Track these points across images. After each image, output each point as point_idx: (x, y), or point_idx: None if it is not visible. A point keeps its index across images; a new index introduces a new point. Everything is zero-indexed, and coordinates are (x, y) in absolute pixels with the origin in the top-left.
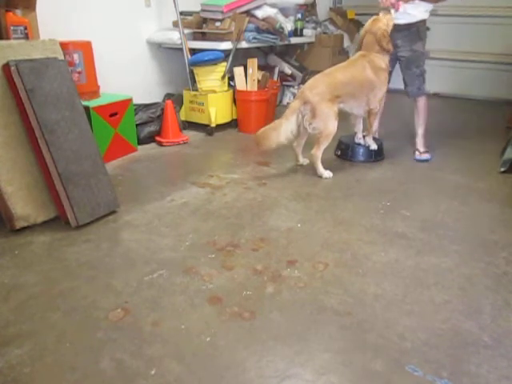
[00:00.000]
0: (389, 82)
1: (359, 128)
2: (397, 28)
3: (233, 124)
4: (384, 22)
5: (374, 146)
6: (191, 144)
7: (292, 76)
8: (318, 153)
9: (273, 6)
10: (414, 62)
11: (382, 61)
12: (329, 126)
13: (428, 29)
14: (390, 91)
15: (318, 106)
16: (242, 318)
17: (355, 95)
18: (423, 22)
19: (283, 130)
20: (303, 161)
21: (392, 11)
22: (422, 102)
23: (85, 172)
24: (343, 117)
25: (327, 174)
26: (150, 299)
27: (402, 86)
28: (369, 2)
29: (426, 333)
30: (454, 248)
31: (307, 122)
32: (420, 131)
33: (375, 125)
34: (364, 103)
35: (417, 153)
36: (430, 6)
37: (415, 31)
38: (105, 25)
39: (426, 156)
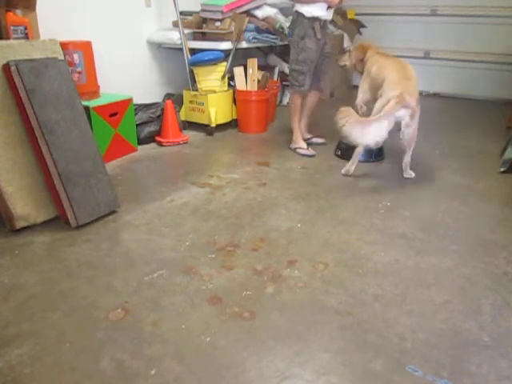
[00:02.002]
0: None
1: None
2: (325, 25)
3: (233, 124)
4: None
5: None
6: (191, 144)
7: None
8: (408, 160)
9: (273, 6)
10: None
11: None
12: (416, 130)
13: None
14: None
15: (417, 111)
16: (242, 318)
17: None
18: None
19: (380, 129)
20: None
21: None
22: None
23: (85, 172)
24: None
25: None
26: (150, 299)
27: None
28: (369, 2)
29: (426, 333)
30: (454, 248)
31: (406, 127)
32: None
33: None
34: None
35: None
36: None
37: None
38: (105, 25)
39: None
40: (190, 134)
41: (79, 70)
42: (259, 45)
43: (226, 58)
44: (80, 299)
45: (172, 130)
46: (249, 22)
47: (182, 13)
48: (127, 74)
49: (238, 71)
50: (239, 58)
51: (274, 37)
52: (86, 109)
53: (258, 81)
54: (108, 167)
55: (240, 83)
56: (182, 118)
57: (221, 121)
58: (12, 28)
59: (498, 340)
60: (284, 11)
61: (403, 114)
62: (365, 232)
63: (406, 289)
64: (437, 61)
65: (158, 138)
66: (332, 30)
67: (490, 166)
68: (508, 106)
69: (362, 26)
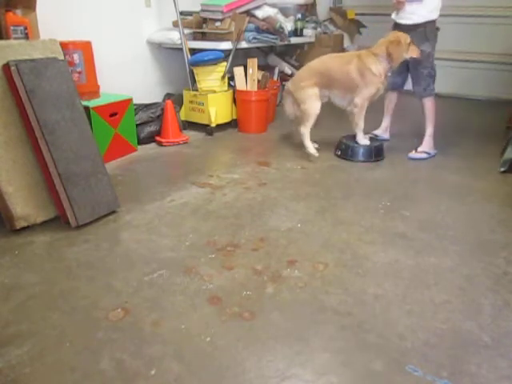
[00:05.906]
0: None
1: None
2: (403, 28)
3: (233, 124)
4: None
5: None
6: (191, 144)
7: (292, 76)
8: None
9: (273, 6)
10: (421, 62)
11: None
12: None
13: (438, 29)
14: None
15: None
16: (242, 318)
17: None
18: (431, 22)
19: None
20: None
21: (394, 13)
22: (428, 102)
23: (85, 172)
24: (343, 116)
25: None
26: (150, 299)
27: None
28: (369, 2)
29: (426, 333)
30: (454, 248)
31: None
32: (427, 132)
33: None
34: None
35: (413, 151)
36: (436, 5)
37: (422, 31)
38: (105, 25)
39: (419, 155)
40: (190, 134)
41: (79, 70)
42: (259, 45)
43: (225, 58)
44: (80, 299)
45: (172, 129)
46: (249, 21)
47: (182, 13)
48: (127, 74)
49: (238, 71)
50: (239, 58)
51: (273, 37)
52: (86, 109)
53: (258, 81)
54: (108, 167)
55: (240, 83)
56: (182, 118)
57: (221, 121)
58: (12, 28)
59: (497, 340)
60: (284, 11)
61: None
62: (365, 232)
63: (406, 289)
64: (436, 61)
65: (158, 138)
66: (332, 30)
67: (490, 166)
68: (508, 105)
69: (362, 25)
